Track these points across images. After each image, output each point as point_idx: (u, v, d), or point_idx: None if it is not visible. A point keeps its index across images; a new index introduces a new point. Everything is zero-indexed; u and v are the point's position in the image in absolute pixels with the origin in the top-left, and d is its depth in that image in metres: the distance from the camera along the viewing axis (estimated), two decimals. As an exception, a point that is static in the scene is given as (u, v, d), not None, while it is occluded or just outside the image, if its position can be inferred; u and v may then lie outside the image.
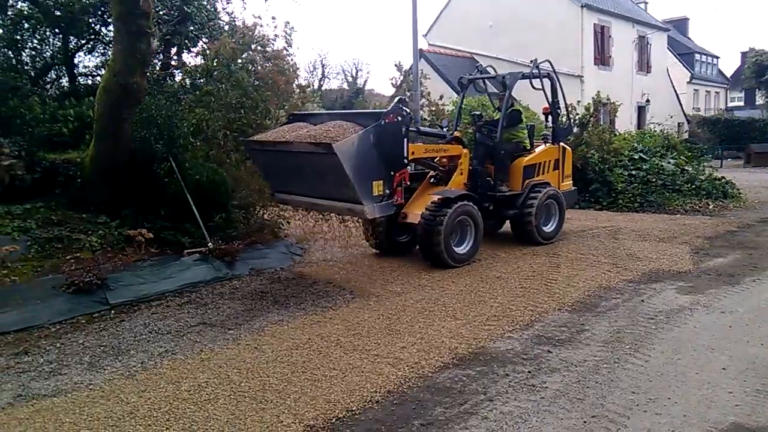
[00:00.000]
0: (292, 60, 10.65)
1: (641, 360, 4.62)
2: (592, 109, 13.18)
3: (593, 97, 13.48)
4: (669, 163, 13.70)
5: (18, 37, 11.14)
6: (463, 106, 10.64)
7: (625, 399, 4.00)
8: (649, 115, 26.61)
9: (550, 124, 9.50)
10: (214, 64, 9.69)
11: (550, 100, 9.33)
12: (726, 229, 9.89)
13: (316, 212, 9.62)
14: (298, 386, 4.31)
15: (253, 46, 10.27)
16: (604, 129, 13.96)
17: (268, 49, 10.42)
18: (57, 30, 11.58)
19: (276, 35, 10.67)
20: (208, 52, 10.09)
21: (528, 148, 9.02)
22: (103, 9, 11.44)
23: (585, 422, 3.71)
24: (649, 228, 10.02)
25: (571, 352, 4.82)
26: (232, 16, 12.70)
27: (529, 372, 4.47)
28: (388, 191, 6.57)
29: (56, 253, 7.34)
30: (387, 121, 6.44)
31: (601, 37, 25.74)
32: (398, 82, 18.96)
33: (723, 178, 14.00)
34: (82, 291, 6.32)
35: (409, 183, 7.03)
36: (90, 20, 11.65)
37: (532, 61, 9.19)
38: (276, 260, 8.13)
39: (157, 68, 11.15)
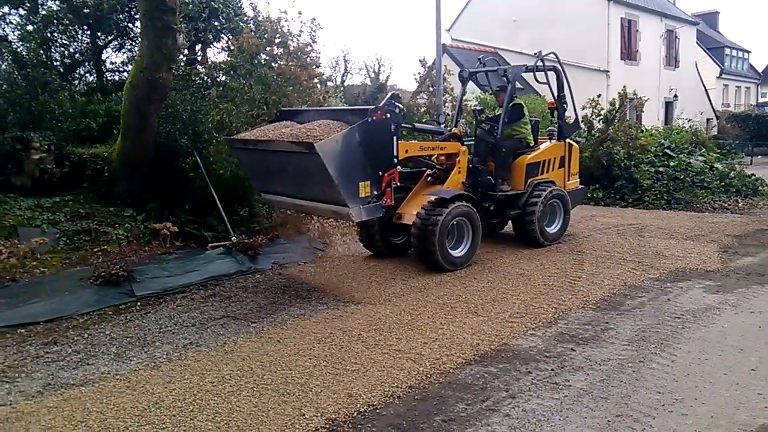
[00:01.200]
0: (315, 56, 10.68)
1: (667, 359, 4.55)
2: (618, 105, 12.95)
3: (619, 93, 13.24)
4: (697, 159, 13.43)
5: (48, 34, 11.36)
6: (464, 101, 10.11)
7: (651, 399, 3.94)
8: (677, 111, 26.12)
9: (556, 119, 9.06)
10: (239, 59, 9.75)
11: (556, 94, 8.94)
12: (756, 228, 9.66)
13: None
14: (320, 380, 4.34)
15: (277, 41, 10.31)
16: (631, 125, 13.73)
17: (291, 44, 10.46)
18: (86, 27, 11.79)
19: (301, 30, 10.69)
20: (232, 47, 10.16)
21: (532, 144, 8.65)
22: (130, 6, 11.62)
23: (609, 421, 3.67)
24: (676, 226, 9.83)
25: (595, 350, 4.77)
26: (257, 11, 12.77)
27: (552, 370, 4.42)
28: (376, 192, 6.25)
29: (84, 246, 7.50)
30: (374, 118, 6.10)
31: (628, 32, 25.28)
32: (421, 77, 18.87)
33: (753, 175, 13.67)
34: (109, 283, 6.45)
35: (399, 183, 6.68)
36: (118, 17, 11.83)
37: (536, 54, 8.73)
38: (298, 255, 8.18)
39: (182, 64, 11.28)
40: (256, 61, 9.83)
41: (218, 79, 10.47)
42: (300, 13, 15.30)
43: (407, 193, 7.77)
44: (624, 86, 13.19)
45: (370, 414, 3.87)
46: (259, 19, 12.23)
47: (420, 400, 4.04)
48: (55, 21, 11.42)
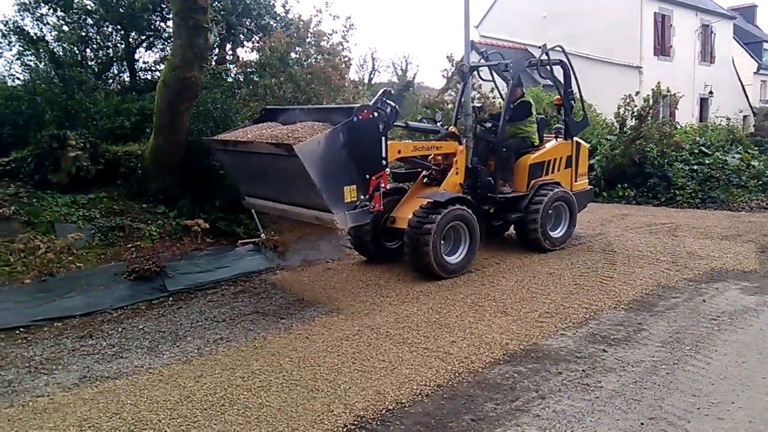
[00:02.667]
0: (346, 55, 10.73)
1: (702, 362, 4.44)
2: (651, 102, 12.68)
3: (652, 89, 12.96)
4: (734, 157, 13.08)
5: (83, 34, 11.64)
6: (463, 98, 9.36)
7: (685, 402, 3.85)
8: (712, 108, 25.46)
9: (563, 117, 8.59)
10: (269, 58, 9.84)
11: (563, 90, 8.48)
12: (796, 228, 9.37)
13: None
14: (348, 376, 4.35)
15: (308, 40, 10.38)
16: (664, 122, 13.44)
17: (323, 43, 10.50)
18: (119, 26, 12.04)
19: (333, 30, 10.75)
20: (263, 46, 10.26)
21: (537, 144, 8.19)
22: (162, 5, 11.82)
23: (642, 424, 3.60)
24: (711, 225, 9.59)
25: (628, 351, 4.68)
26: (287, 9, 12.88)
27: (583, 371, 4.36)
28: (363, 197, 5.81)
29: (118, 242, 7.67)
30: (360, 117, 5.66)
31: (662, 27, 24.73)
32: (449, 74, 18.78)
33: (793, 173, 13.24)
34: (142, 278, 6.58)
35: (388, 187, 6.30)
36: (150, 17, 12.06)
37: (541, 47, 8.35)
38: (327, 252, 8.21)
39: (213, 63, 11.44)
40: (288, 60, 9.90)
41: (249, 77, 10.57)
42: (335, 17, 15.36)
43: (402, 195, 7.46)
44: (658, 83, 12.92)
45: (399, 412, 3.87)
46: (290, 17, 12.32)
47: (448, 399, 4.02)
48: (89, 21, 11.70)
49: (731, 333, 5.00)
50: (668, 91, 13.68)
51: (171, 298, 6.42)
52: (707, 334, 4.99)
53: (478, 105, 8.62)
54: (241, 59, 11.81)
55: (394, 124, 6.66)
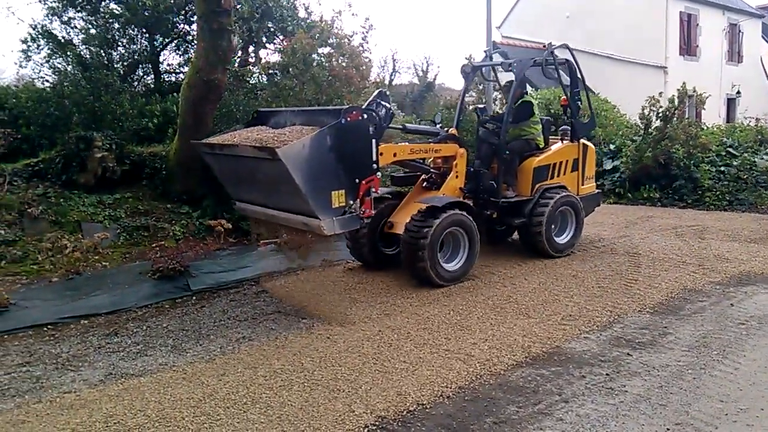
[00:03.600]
0: (367, 56, 10.76)
1: (730, 367, 4.35)
2: (676, 102, 12.47)
3: (678, 89, 12.74)
4: (762, 158, 12.78)
5: (109, 37, 11.84)
6: (466, 98, 9.29)
7: (713, 407, 3.77)
8: (740, 108, 24.94)
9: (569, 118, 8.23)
10: (292, 60, 9.91)
11: (569, 90, 8.19)
12: (827, 231, 9.13)
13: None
14: (369, 377, 4.36)
15: (330, 41, 10.43)
16: (690, 122, 13.20)
17: (345, 45, 10.55)
18: (144, 29, 12.22)
19: (354, 31, 10.79)
20: (285, 47, 10.34)
21: (542, 146, 7.89)
22: (187, 8, 11.96)
23: (668, 429, 3.54)
24: (739, 228, 9.40)
25: (653, 355, 4.60)
26: (309, 10, 12.95)
27: (607, 375, 4.30)
28: (352, 202, 5.57)
29: (143, 241, 7.80)
30: (349, 119, 5.43)
31: (688, 26, 24.32)
32: (470, 76, 18.68)
33: (824, 175, 12.90)
34: (166, 277, 6.68)
35: (379, 192, 6.04)
36: (174, 19, 12.22)
37: (545, 45, 7.98)
38: (347, 252, 8.21)
39: (236, 65, 11.55)
40: (310, 62, 9.96)
41: (271, 78, 10.66)
42: (355, 14, 15.44)
43: (401, 199, 7.26)
44: (683, 83, 12.70)
45: (420, 413, 3.86)
46: (311, 20, 12.39)
47: (470, 401, 4.00)
48: (116, 24, 11.90)
49: (760, 338, 4.89)
50: (694, 92, 13.44)
51: (194, 297, 6.49)
52: (735, 338, 4.88)
53: (480, 106, 8.30)
54: (263, 61, 11.91)
55: (390, 126, 6.52)
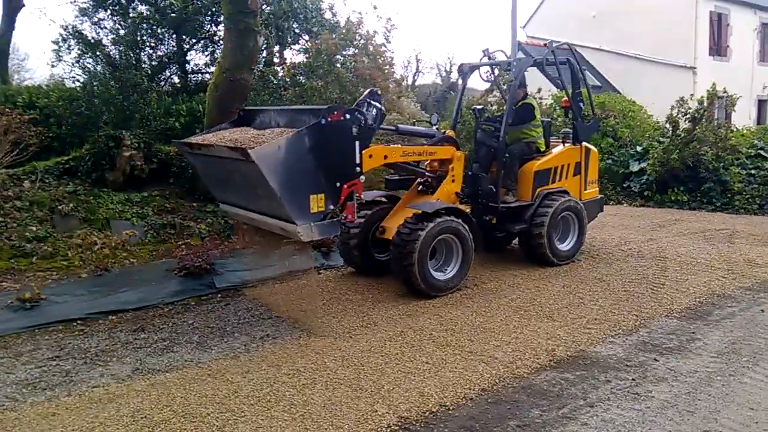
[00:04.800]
0: (389, 56, 10.78)
1: (761, 374, 4.26)
2: (706, 103, 12.23)
3: (707, 90, 12.51)
4: (795, 161, 12.46)
5: (137, 37, 12.05)
6: (463, 99, 8.72)
7: (742, 415, 3.70)
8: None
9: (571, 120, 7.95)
10: (317, 60, 9.96)
11: (571, 91, 7.89)
12: None
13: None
14: (391, 377, 4.36)
15: (355, 42, 10.47)
16: (720, 124, 12.94)
17: (370, 46, 10.58)
18: (172, 30, 12.41)
19: (376, 31, 10.82)
20: (311, 47, 10.41)
21: (543, 149, 7.58)
22: (213, 9, 12.12)
23: (696, 437, 3.48)
24: (770, 232, 9.19)
25: (681, 361, 4.53)
26: (333, 11, 13.01)
27: (633, 380, 4.24)
28: (332, 207, 5.28)
29: (169, 239, 7.92)
30: (329, 120, 5.13)
31: (718, 26, 23.84)
32: (492, 76, 18.58)
33: None
34: (192, 275, 6.76)
35: (362, 196, 5.71)
36: (201, 20, 12.39)
37: (546, 44, 7.63)
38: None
39: (261, 65, 11.66)
40: (334, 62, 10.02)
41: (296, 78, 10.74)
42: (380, 17, 15.48)
43: (395, 203, 7.01)
44: (713, 84, 12.45)
45: (442, 414, 3.86)
46: (336, 20, 12.45)
47: (493, 404, 3.98)
48: (144, 25, 12.11)
49: (792, 345, 4.78)
50: (724, 93, 13.17)
51: (219, 295, 6.57)
52: (766, 345, 4.78)
53: (479, 107, 7.87)
54: (288, 62, 12.01)
55: (382, 127, 6.32)
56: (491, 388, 4.19)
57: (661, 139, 12.91)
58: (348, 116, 5.30)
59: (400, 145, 6.67)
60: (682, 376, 4.27)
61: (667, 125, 12.73)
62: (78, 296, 6.30)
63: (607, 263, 7.43)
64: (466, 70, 8.08)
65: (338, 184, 5.29)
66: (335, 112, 5.21)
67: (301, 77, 10.54)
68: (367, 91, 5.90)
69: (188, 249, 7.36)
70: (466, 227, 6.40)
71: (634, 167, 12.84)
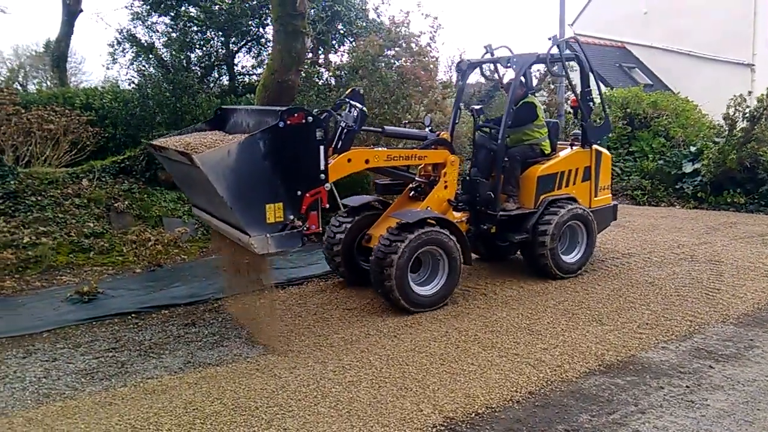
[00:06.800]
0: (434, 55, 10.74)
1: (826, 386, 4.07)
2: (765, 102, 11.72)
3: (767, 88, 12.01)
4: None
5: (188, 40, 12.38)
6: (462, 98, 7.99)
7: (806, 428, 3.54)
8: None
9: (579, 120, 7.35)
10: (361, 61, 10.01)
11: (579, 90, 7.33)
12: None
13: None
14: (436, 377, 4.36)
15: (399, 42, 10.48)
16: (780, 123, 12.37)
17: (414, 46, 10.57)
18: (220, 32, 12.70)
19: (421, 31, 10.80)
20: (355, 48, 10.47)
21: (548, 152, 7.07)
22: (261, 11, 12.34)
23: (755, 448, 3.35)
24: (836, 237, 8.74)
25: (738, 369, 4.36)
26: (378, 11, 13.06)
27: (687, 387, 4.11)
28: (292, 217, 4.84)
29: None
30: (288, 122, 4.67)
31: (778, 21, 22.80)
32: (541, 75, 18.33)
33: None
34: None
35: (327, 205, 5.16)
36: (249, 22, 12.63)
37: (550, 38, 6.96)
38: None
39: (306, 67, 11.80)
40: (378, 63, 10.05)
41: (340, 79, 10.83)
42: (427, 15, 15.43)
43: (385, 209, 6.62)
44: (773, 81, 11.93)
45: (488, 416, 3.83)
46: (380, 21, 12.48)
47: (540, 407, 3.92)
48: (194, 28, 12.43)
49: None
50: (786, 90, 12.59)
51: (265, 292, 6.68)
52: (831, 355, 4.56)
53: (478, 107, 7.24)
54: (333, 63, 12.11)
55: (365, 128, 6.12)
56: (538, 391, 4.13)
57: (717, 139, 12.44)
58: (310, 119, 4.81)
59: (384, 148, 6.13)
60: (740, 384, 4.12)
61: (724, 124, 12.26)
62: (132, 290, 6.54)
63: (658, 266, 7.22)
64: (464, 68, 7.53)
65: (299, 193, 4.86)
66: (295, 114, 4.74)
67: (346, 78, 10.61)
68: (348, 90, 5.65)
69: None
70: (454, 238, 5.92)
71: (688, 168, 12.41)
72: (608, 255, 7.80)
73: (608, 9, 25.69)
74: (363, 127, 5.97)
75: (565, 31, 13.29)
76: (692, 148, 12.80)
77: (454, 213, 6.54)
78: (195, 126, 6.10)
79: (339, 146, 5.73)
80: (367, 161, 5.87)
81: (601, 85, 15.55)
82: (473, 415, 3.84)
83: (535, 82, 15.63)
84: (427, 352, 4.83)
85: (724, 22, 21.62)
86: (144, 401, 4.14)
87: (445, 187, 6.42)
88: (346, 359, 4.73)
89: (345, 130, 5.75)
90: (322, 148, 4.94)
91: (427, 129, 6.71)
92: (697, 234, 9.11)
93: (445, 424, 3.73)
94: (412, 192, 6.63)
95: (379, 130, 6.52)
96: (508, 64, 6.98)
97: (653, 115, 14.42)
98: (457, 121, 7.59)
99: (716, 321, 5.36)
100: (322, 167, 4.97)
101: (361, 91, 5.89)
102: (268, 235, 4.73)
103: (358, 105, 5.62)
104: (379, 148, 6.08)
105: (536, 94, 14.75)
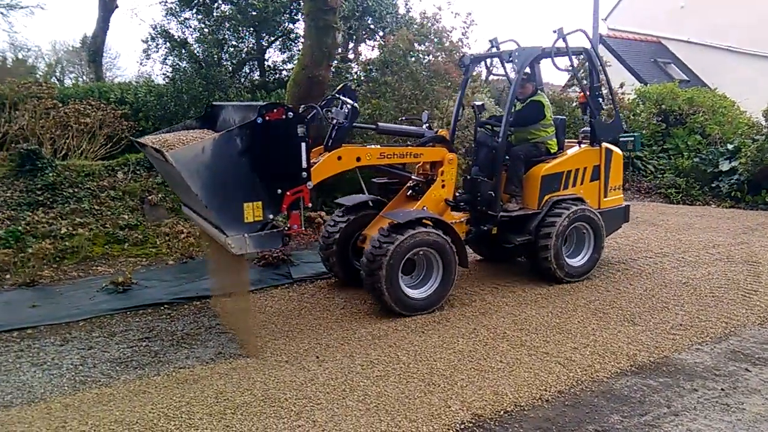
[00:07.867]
0: (466, 51, 10.66)
1: None
2: (807, 98, 11.39)
3: (811, 84, 11.67)
4: None
5: (220, 36, 12.53)
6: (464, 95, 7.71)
7: None
8: None
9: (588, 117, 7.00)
10: (391, 56, 10.00)
11: (588, 85, 7.06)
12: None
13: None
14: (464, 374, 4.34)
15: (430, 37, 10.43)
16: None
17: (445, 41, 10.51)
18: (252, 29, 12.82)
19: (453, 27, 10.73)
20: (386, 43, 10.46)
21: (554, 151, 6.79)
22: (292, 7, 12.42)
23: (794, 455, 3.26)
24: None
25: (776, 373, 4.25)
26: (408, 6, 13.02)
27: (722, 390, 4.02)
28: (272, 216, 4.70)
29: (249, 230, 8.19)
30: (267, 118, 4.51)
31: (823, 14, 22.00)
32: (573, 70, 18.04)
33: None
34: (269, 265, 7.03)
35: (310, 204, 5.07)
36: (280, 18, 12.72)
37: (555, 31, 6.59)
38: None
39: (336, 62, 11.84)
40: (409, 58, 10.02)
41: (370, 74, 10.83)
42: (457, 14, 15.35)
43: (382, 209, 6.43)
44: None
45: (517, 414, 3.81)
46: (411, 16, 12.44)
47: (570, 407, 3.88)
48: (226, 24, 12.57)
49: None
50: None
51: (294, 285, 6.75)
52: None
53: (479, 103, 7.07)
54: (364, 57, 12.13)
55: (357, 125, 6.00)
56: (568, 390, 4.09)
57: (756, 137, 12.09)
58: (291, 114, 4.64)
59: (376, 146, 5.99)
60: (778, 389, 4.01)
61: (763, 122, 11.92)
62: (165, 281, 6.67)
63: (693, 267, 7.06)
64: (467, 62, 7.26)
65: (279, 191, 4.71)
66: (274, 110, 4.57)
67: (376, 72, 10.61)
68: (340, 86, 5.50)
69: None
70: (448, 239, 5.72)
71: (724, 166, 12.10)
72: (641, 254, 7.67)
73: (643, 3, 25.13)
74: (355, 124, 5.81)
75: (598, 25, 13.05)
76: (729, 146, 12.47)
77: (452, 213, 6.34)
78: (185, 123, 5.99)
79: (330, 144, 5.61)
80: (358, 159, 5.68)
81: (636, 80, 15.24)
82: (502, 413, 3.82)
83: (566, 78, 15.36)
84: (455, 348, 4.82)
85: (765, 16, 20.97)
86: (176, 390, 4.22)
87: (443, 186, 6.20)
88: (373, 354, 4.75)
89: (336, 127, 5.61)
90: (303, 145, 4.77)
91: (424, 126, 6.52)
92: (733, 234, 8.88)
93: (474, 421, 3.72)
94: (410, 191, 6.47)
95: (372, 126, 6.30)
96: (510, 59, 6.68)
97: (689, 112, 14.10)
98: (459, 118, 7.27)
99: (753, 323, 5.23)
100: (304, 165, 4.80)
101: (353, 87, 5.68)
102: (246, 235, 4.59)
103: (349, 101, 5.49)
104: (372, 146, 5.95)
105: (570, 89, 14.55)
